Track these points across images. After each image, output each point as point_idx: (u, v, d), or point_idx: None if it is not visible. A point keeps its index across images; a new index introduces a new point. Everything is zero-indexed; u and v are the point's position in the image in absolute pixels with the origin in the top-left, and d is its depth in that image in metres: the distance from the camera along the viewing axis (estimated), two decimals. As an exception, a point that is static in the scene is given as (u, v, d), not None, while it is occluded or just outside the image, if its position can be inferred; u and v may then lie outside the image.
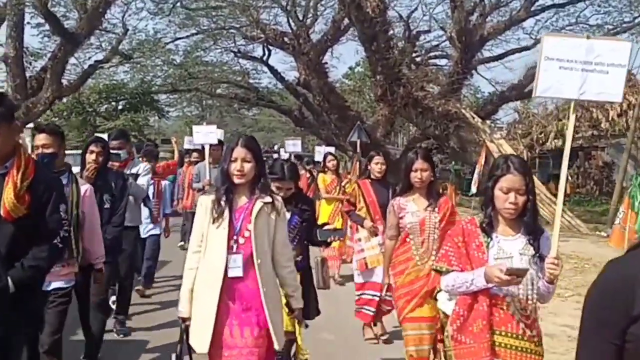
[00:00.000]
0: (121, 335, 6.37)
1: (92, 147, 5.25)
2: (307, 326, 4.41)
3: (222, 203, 3.41)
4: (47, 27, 19.21)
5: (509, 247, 3.08)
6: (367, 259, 6.18)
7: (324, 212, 9.85)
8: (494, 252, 3.07)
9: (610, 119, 13.71)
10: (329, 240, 4.77)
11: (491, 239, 3.10)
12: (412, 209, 4.67)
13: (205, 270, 3.41)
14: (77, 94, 24.98)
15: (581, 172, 20.76)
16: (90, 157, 5.21)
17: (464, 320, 3.10)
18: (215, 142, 8.88)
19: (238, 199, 3.48)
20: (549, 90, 3.28)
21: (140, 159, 9.49)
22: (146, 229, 7.85)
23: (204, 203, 3.47)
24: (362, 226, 6.28)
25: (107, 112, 30.23)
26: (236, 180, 3.42)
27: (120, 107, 31.02)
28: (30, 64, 20.29)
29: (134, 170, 6.48)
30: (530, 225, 3.08)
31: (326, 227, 4.83)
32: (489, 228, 3.11)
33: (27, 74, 18.62)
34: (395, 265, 4.78)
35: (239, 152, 3.41)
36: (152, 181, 7.64)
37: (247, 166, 3.40)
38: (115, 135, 6.58)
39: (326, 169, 10.11)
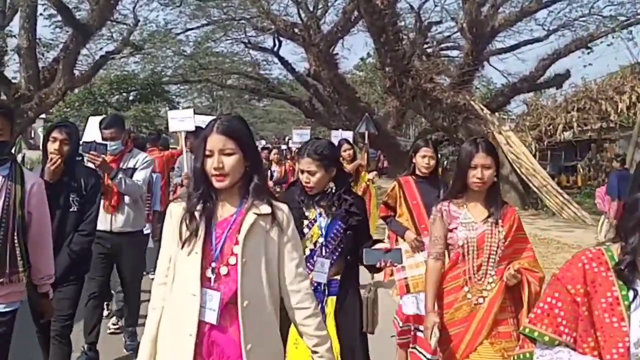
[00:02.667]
0: (130, 351, 5.49)
1: (54, 134, 4.05)
2: None
3: (196, 216, 2.33)
4: (59, 18, 19.34)
5: None
6: (410, 280, 4.82)
7: None
8: None
9: (619, 111, 13.63)
10: (377, 265, 3.33)
11: (636, 293, 1.81)
12: (466, 219, 3.36)
13: (172, 313, 2.35)
14: (89, 85, 25.13)
15: (593, 165, 20.67)
16: (52, 147, 4.02)
17: None
18: (192, 128, 7.81)
19: (221, 209, 2.38)
20: None
21: (153, 148, 9.02)
22: None
23: (174, 214, 2.40)
24: (403, 238, 4.92)
25: (119, 102, 30.41)
26: (216, 184, 2.32)
27: (131, 97, 31.18)
28: (43, 55, 20.47)
29: (130, 164, 5.23)
30: None
31: (377, 246, 3.39)
32: (630, 274, 1.82)
33: (40, 65, 18.78)
34: (443, 295, 3.44)
35: (216, 141, 2.29)
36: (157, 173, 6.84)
37: (230, 161, 2.30)
38: (108, 122, 5.25)
39: (341, 159, 8.38)
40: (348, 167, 7.97)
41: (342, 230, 3.33)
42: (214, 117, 2.55)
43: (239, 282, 2.29)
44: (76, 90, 24.76)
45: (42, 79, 18.20)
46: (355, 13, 20.88)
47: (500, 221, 3.33)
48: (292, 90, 33.74)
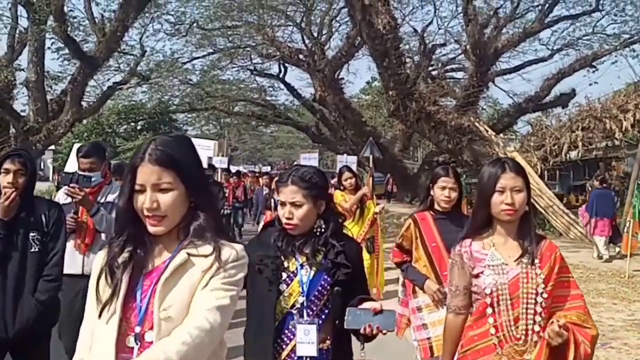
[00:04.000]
0: None
1: (7, 165, 3.47)
2: None
3: (118, 269, 1.79)
4: (67, 51, 19.65)
5: None
6: (434, 341, 3.99)
7: None
8: None
9: (623, 129, 13.63)
10: (362, 330, 2.42)
11: None
12: (494, 260, 2.66)
13: None
14: (97, 116, 25.47)
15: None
16: (5, 180, 3.45)
17: None
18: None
19: (153, 257, 1.84)
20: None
21: None
22: None
23: (95, 266, 1.88)
24: (422, 288, 4.10)
25: (127, 132, 30.76)
26: (150, 228, 1.79)
27: (139, 127, 31.54)
28: (51, 87, 20.79)
29: (110, 198, 4.57)
30: None
31: (364, 306, 2.47)
32: None
33: (48, 97, 19.04)
34: (467, 358, 2.73)
35: (148, 173, 1.76)
36: None
37: (167, 199, 1.77)
38: (86, 150, 4.58)
39: (342, 187, 7.64)
40: (349, 201, 7.37)
41: (328, 287, 2.56)
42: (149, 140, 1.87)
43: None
44: (84, 121, 25.08)
45: (51, 111, 18.43)
46: (359, 38, 21.07)
47: (537, 261, 2.61)
48: (299, 115, 33.96)
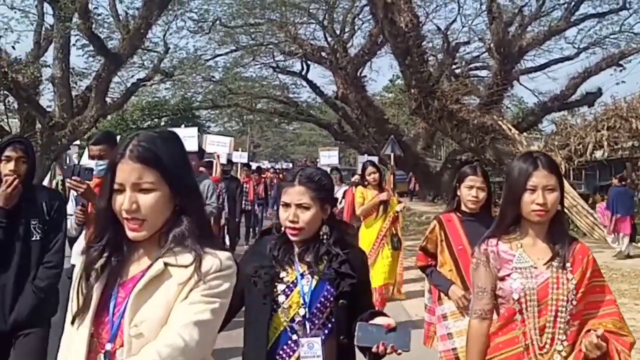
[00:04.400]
0: None
1: (8, 152, 3.40)
2: None
3: (91, 279, 1.65)
4: (92, 47, 19.87)
5: None
6: (460, 352, 3.72)
7: (364, 245, 6.85)
8: None
9: (649, 128, 13.42)
10: (374, 349, 2.19)
11: None
12: (522, 263, 2.45)
13: None
14: (121, 112, 25.69)
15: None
16: (6, 167, 3.38)
17: None
18: (194, 149, 7.05)
19: (131, 265, 1.70)
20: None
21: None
22: None
23: (77, 271, 1.74)
24: (447, 294, 3.85)
25: (150, 128, 31.00)
26: (129, 233, 1.64)
27: (162, 123, 31.76)
28: (76, 83, 21.03)
29: None
30: None
31: (376, 321, 2.25)
32: None
33: (73, 94, 19.26)
34: None
35: (128, 171, 1.62)
36: None
37: (147, 201, 1.62)
38: (96, 139, 4.47)
39: (366, 183, 7.31)
40: (363, 207, 7.06)
41: (331, 298, 2.34)
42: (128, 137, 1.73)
43: None
44: (109, 117, 25.33)
45: (75, 107, 18.65)
46: (381, 36, 20.99)
47: (568, 264, 2.41)
48: (321, 113, 33.94)
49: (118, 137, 4.88)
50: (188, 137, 6.89)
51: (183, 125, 9.01)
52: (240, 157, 10.76)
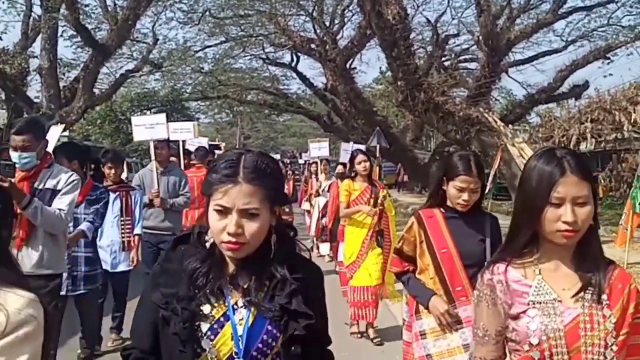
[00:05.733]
0: None
1: None
2: None
3: None
4: (79, 38, 19.83)
5: None
6: None
7: (352, 243, 6.50)
8: None
9: (632, 121, 13.55)
10: None
11: None
12: (542, 295, 1.82)
13: None
14: (110, 103, 25.65)
15: (614, 175, 20.47)
16: None
17: None
18: (163, 137, 6.81)
19: None
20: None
21: (201, 165, 7.94)
22: (114, 262, 5.75)
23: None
24: (427, 307, 3.19)
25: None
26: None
27: (152, 114, 31.85)
28: (64, 74, 20.99)
29: (49, 184, 3.85)
30: None
31: None
32: None
33: (61, 85, 19.23)
34: None
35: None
36: (117, 193, 5.71)
37: None
38: (19, 127, 3.81)
39: (354, 173, 6.58)
40: (345, 210, 6.42)
41: (274, 343, 1.70)
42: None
43: None
44: (98, 108, 25.29)
45: (63, 98, 18.62)
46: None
47: (604, 297, 1.78)
48: (311, 104, 33.98)
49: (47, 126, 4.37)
50: (157, 124, 6.73)
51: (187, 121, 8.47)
52: (199, 143, 10.02)
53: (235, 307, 1.70)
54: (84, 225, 4.72)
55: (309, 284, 1.75)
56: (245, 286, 1.70)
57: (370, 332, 6.44)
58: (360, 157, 6.53)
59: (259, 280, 1.69)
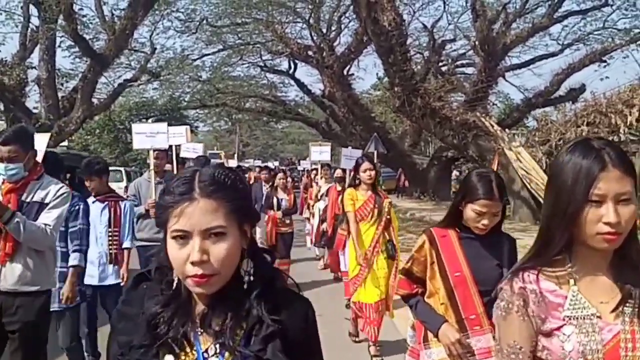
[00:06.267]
0: None
1: None
2: None
3: None
4: (77, 48, 19.94)
5: None
6: None
7: (355, 255, 6.04)
8: None
9: (628, 124, 13.62)
10: None
11: None
12: (579, 309, 1.56)
13: None
14: (108, 112, 25.77)
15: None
16: None
17: None
18: (165, 146, 6.63)
19: None
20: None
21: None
22: (102, 275, 5.29)
23: None
24: (436, 335, 2.90)
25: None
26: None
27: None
28: (62, 84, 21.10)
29: (37, 197, 3.66)
30: None
31: None
32: None
33: (60, 95, 19.33)
34: None
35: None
36: (106, 203, 5.34)
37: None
38: (5, 137, 3.62)
39: (358, 181, 6.15)
40: (369, 195, 5.96)
41: None
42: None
43: None
44: (96, 118, 25.40)
45: (62, 108, 18.71)
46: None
47: None
48: (309, 111, 34.09)
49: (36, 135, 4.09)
50: (158, 133, 6.53)
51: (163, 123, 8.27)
52: (194, 150, 9.71)
53: (205, 355, 1.38)
54: (74, 259, 4.43)
55: (293, 323, 1.41)
56: (217, 328, 1.38)
57: (372, 349, 5.99)
58: (366, 165, 6.09)
59: (234, 319, 1.37)
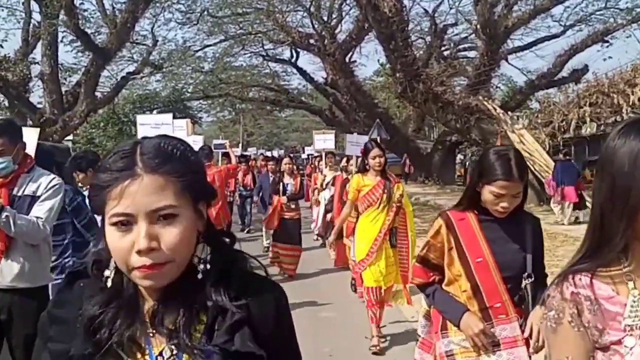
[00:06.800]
0: None
1: None
2: None
3: None
4: (79, 43, 20.01)
5: None
6: None
7: (363, 240, 5.82)
8: None
9: (631, 103, 13.60)
10: None
11: None
12: None
13: None
14: (112, 105, 25.84)
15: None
16: None
17: None
18: None
19: None
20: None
21: (209, 164, 7.76)
22: None
23: None
24: (457, 325, 2.69)
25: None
26: None
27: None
28: (66, 79, 21.18)
29: (28, 190, 3.52)
30: None
31: None
32: None
33: (63, 89, 19.42)
34: None
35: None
36: None
37: None
38: None
39: (367, 167, 5.85)
40: (378, 180, 5.67)
41: None
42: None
43: None
44: (100, 111, 25.49)
45: (66, 102, 18.82)
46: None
47: None
48: (313, 99, 34.10)
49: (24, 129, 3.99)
50: (163, 124, 6.62)
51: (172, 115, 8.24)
52: (194, 142, 9.48)
53: (160, 358, 1.17)
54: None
55: (262, 311, 1.20)
56: (171, 326, 1.16)
57: (374, 340, 5.69)
58: (375, 151, 5.76)
59: (189, 314, 1.16)
